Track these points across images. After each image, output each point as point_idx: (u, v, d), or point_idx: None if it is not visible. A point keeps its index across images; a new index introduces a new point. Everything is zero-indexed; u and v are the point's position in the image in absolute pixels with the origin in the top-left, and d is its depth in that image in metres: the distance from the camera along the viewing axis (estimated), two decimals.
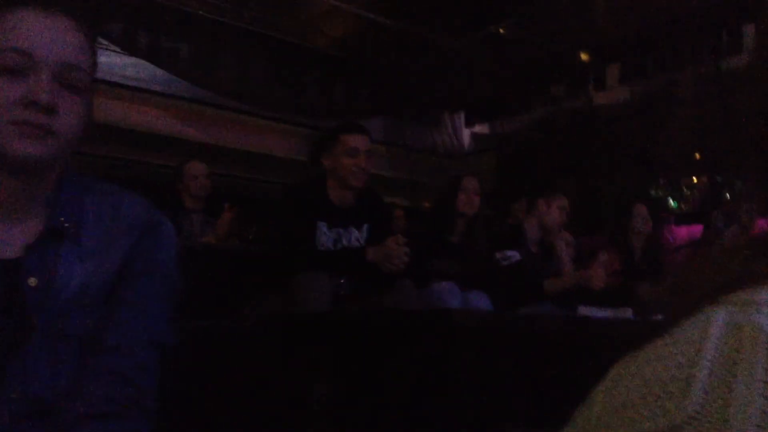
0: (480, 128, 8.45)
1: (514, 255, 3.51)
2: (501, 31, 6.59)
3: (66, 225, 0.98)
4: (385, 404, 2.11)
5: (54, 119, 0.95)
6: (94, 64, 1.02)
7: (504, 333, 2.21)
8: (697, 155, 6.47)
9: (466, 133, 8.55)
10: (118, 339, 0.97)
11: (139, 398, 0.96)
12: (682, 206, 6.80)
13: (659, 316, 0.38)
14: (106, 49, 6.12)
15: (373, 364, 2.19)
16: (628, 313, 2.73)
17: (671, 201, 6.86)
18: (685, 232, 6.25)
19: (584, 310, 2.83)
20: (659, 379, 0.33)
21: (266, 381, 2.44)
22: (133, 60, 6.23)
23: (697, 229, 5.78)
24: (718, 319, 0.33)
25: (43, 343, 0.94)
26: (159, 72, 6.41)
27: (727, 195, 6.01)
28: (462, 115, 8.49)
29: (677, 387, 0.32)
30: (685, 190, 6.88)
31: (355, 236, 2.81)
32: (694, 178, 6.75)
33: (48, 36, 0.96)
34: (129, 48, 6.19)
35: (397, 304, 2.62)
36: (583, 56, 6.99)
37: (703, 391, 0.31)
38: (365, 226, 2.83)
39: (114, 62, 6.08)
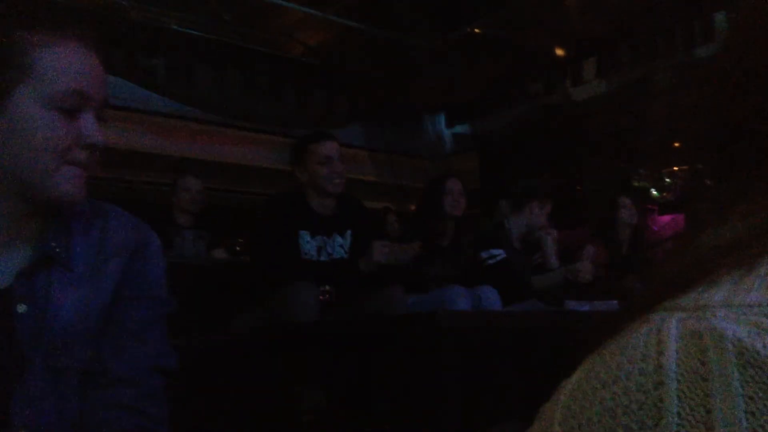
0: (461, 129, 8.47)
1: (500, 253, 3.53)
2: (476, 31, 6.61)
3: (56, 250, 0.96)
4: (376, 409, 2.11)
5: (95, 157, 0.96)
6: None
7: (492, 331, 2.21)
8: (676, 144, 6.52)
9: (447, 134, 8.57)
10: (124, 369, 0.95)
11: (152, 427, 0.94)
12: (665, 195, 6.86)
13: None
14: None
15: (363, 370, 2.18)
16: (614, 306, 2.74)
17: (653, 191, 6.91)
18: (669, 221, 6.31)
19: (571, 305, 2.84)
20: (623, 406, 0.29)
21: (258, 391, 2.43)
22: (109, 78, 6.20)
23: (680, 218, 5.83)
24: (670, 327, 0.30)
25: (46, 376, 0.91)
26: (136, 88, 6.37)
27: (708, 183, 6.05)
28: (442, 116, 8.51)
29: (648, 415, 0.29)
30: (666, 179, 6.93)
31: (339, 243, 2.82)
32: (675, 167, 6.81)
33: (94, 74, 0.96)
34: (104, 66, 6.15)
35: (388, 309, 2.62)
36: (559, 52, 7.03)
37: (677, 417, 0.28)
38: (348, 232, 2.84)
39: None
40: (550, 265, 3.64)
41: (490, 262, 3.47)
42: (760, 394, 0.27)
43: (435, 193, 3.36)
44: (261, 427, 2.34)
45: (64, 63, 0.93)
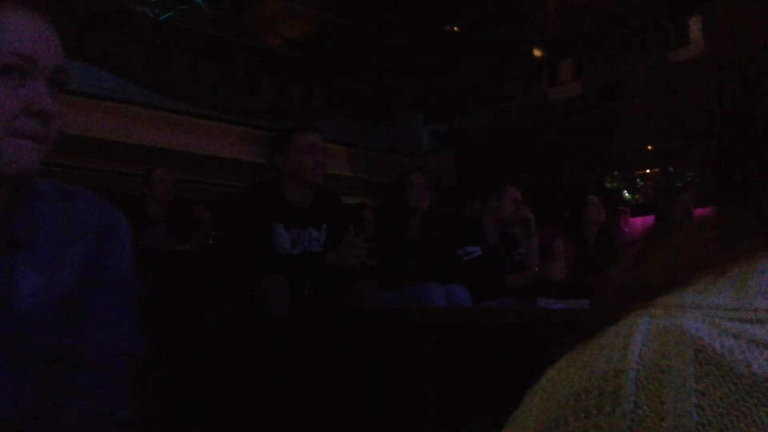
0: (438, 126, 8.50)
1: (475, 250, 3.54)
2: (456, 29, 6.63)
3: (21, 233, 0.93)
4: (349, 403, 2.11)
5: (49, 127, 0.91)
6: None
7: (466, 328, 2.23)
8: (650, 147, 6.63)
9: (424, 132, 8.59)
10: (86, 354, 0.93)
11: (113, 412, 0.93)
12: (637, 197, 6.96)
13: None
14: None
15: (335, 364, 2.18)
16: (585, 304, 2.77)
17: (626, 193, 7.00)
18: (640, 223, 6.39)
19: (543, 303, 2.87)
20: (588, 392, 0.31)
21: (231, 385, 2.42)
22: (82, 65, 6.10)
23: (651, 220, 5.92)
24: (642, 323, 0.32)
25: (7, 363, 0.89)
26: (110, 77, 6.28)
27: (678, 185, 6.16)
28: (420, 114, 8.53)
29: (607, 401, 0.30)
30: (638, 181, 7.03)
31: (314, 236, 2.79)
32: (648, 169, 6.91)
33: (42, 38, 0.92)
34: (77, 53, 6.06)
35: (360, 303, 2.62)
36: (536, 53, 7.08)
37: (633, 405, 0.30)
38: (324, 226, 2.82)
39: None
40: (531, 265, 3.63)
41: (465, 258, 3.49)
42: (712, 391, 0.28)
43: (400, 187, 3.40)
44: (231, 419, 2.33)
45: (4, 26, 0.89)
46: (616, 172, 7.01)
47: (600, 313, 0.35)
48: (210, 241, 4.35)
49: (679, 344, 0.30)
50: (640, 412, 0.29)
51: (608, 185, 6.88)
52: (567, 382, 0.33)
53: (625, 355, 0.31)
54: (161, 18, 6.18)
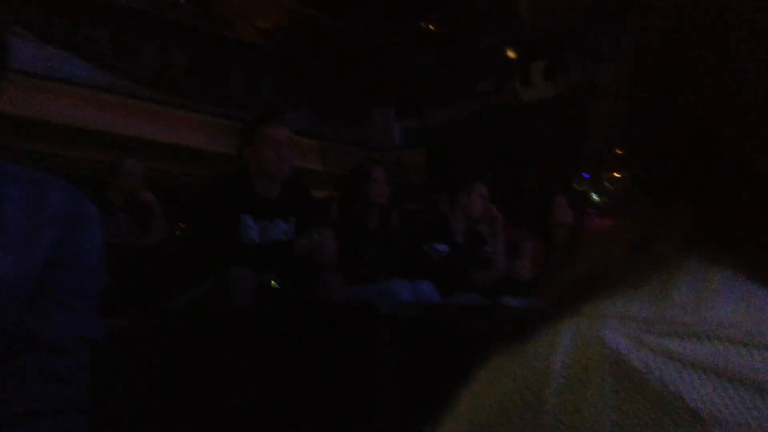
0: (410, 123, 8.51)
1: (443, 248, 3.55)
2: (430, 27, 6.65)
3: None
4: (314, 396, 2.10)
5: None
6: None
7: (429, 323, 2.23)
8: (618, 150, 6.72)
9: (396, 128, 8.60)
10: (50, 337, 0.93)
11: (74, 396, 0.93)
12: (604, 200, 7.05)
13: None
14: (24, 38, 5.83)
15: (301, 356, 2.17)
16: None
17: (593, 195, 7.10)
18: (604, 225, 6.48)
19: (509, 301, 2.89)
20: (512, 401, 0.31)
21: (191, 375, 2.40)
22: (52, 49, 5.98)
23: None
24: (567, 332, 0.31)
25: None
26: (79, 62, 6.16)
27: None
28: (392, 110, 8.54)
29: (530, 411, 0.30)
30: (606, 184, 7.13)
31: (282, 229, 2.78)
32: (615, 172, 7.01)
33: None
34: (46, 37, 5.94)
35: (324, 295, 2.62)
36: (510, 53, 7.13)
37: (554, 417, 0.29)
38: (291, 218, 2.81)
39: (33, 52, 5.81)
40: (497, 263, 3.66)
41: (433, 256, 3.50)
42: (628, 408, 0.28)
43: (360, 182, 3.39)
44: (192, 409, 2.31)
45: None
46: (584, 174, 7.11)
47: (530, 317, 0.35)
48: (177, 232, 4.29)
49: (599, 357, 0.29)
50: (561, 426, 0.29)
51: (576, 187, 6.96)
52: (494, 388, 0.32)
53: (548, 365, 0.31)
54: (131, 3, 6.09)
